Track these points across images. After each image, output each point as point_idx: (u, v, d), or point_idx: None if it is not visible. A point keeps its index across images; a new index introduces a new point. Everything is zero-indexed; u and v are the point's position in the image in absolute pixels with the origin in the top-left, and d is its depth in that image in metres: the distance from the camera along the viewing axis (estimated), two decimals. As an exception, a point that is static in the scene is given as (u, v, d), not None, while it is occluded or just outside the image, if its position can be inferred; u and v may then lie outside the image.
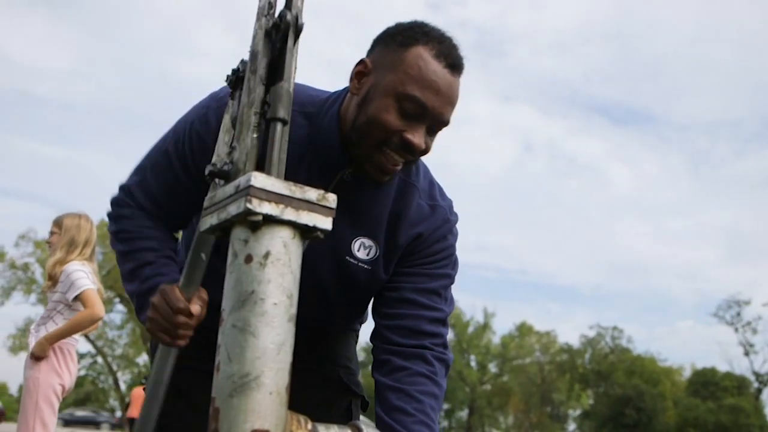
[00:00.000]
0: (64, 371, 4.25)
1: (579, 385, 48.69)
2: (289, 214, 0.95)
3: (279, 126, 1.01)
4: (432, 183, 1.70)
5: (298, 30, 1.05)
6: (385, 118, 1.44)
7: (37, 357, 4.17)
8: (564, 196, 64.61)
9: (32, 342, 4.30)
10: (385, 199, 1.61)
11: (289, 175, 1.50)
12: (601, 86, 65.12)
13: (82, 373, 41.35)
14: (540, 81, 64.63)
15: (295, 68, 1.05)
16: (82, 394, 45.50)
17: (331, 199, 0.98)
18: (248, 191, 0.92)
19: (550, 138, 64.66)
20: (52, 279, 4.31)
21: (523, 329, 50.91)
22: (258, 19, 1.11)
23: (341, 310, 1.73)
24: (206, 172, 1.11)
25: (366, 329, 1.87)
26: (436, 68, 1.45)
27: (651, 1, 61.82)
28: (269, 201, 0.93)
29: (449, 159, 62.68)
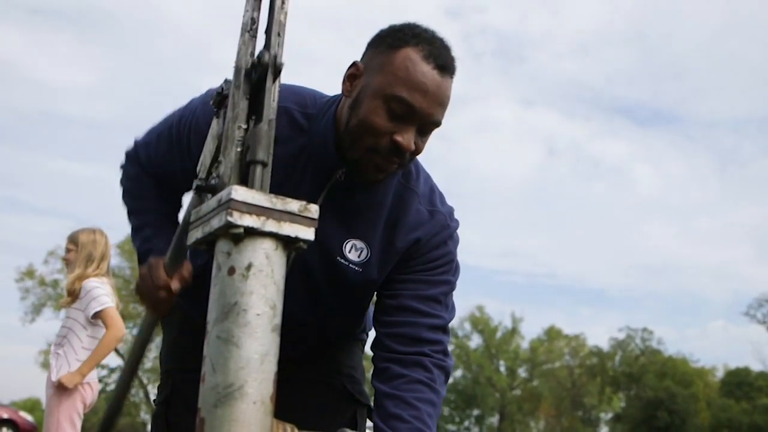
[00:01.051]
0: (85, 388, 4.28)
1: (610, 389, 48.23)
2: (271, 225, 0.96)
3: (259, 168, 1.03)
4: (432, 189, 1.70)
5: (276, 70, 1.07)
6: (374, 120, 1.46)
7: (64, 386, 4.19)
8: (590, 199, 64.15)
9: (54, 362, 4.34)
10: (380, 203, 1.62)
11: (285, 177, 1.54)
12: (624, 87, 64.66)
13: (113, 387, 41.58)
14: (562, 84, 64.32)
15: (275, 108, 1.07)
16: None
17: (313, 210, 1.00)
18: (229, 204, 0.94)
19: (574, 141, 64.24)
20: (71, 295, 4.36)
21: (552, 333, 50.57)
22: (241, 34, 1.13)
23: (337, 313, 1.73)
24: (193, 186, 1.13)
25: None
26: (424, 69, 1.46)
27: (672, 0, 61.37)
28: (250, 213, 0.95)
29: (473, 165, 62.59)
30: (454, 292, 1.71)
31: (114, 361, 39.67)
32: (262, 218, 0.96)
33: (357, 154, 1.50)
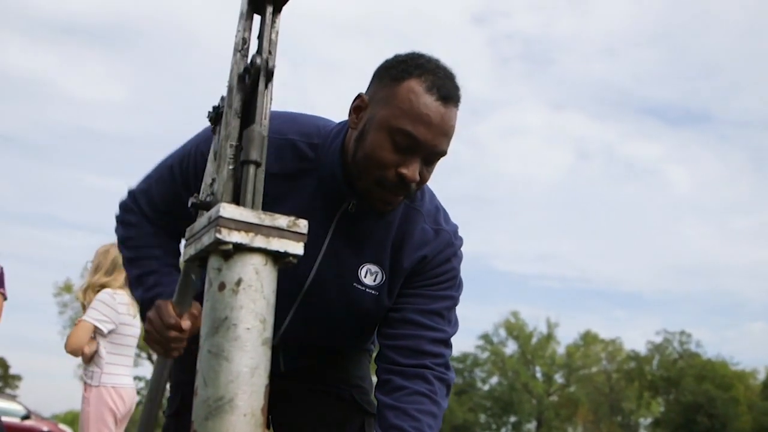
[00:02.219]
0: (116, 400, 4.30)
1: (648, 393, 47.69)
2: (260, 241, 0.98)
3: (252, 168, 1.05)
4: (437, 208, 1.73)
5: (269, 73, 1.09)
6: (380, 153, 1.49)
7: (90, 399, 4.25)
8: (623, 201, 63.60)
9: (83, 374, 4.40)
10: (389, 225, 1.65)
11: (296, 208, 1.56)
12: (654, 88, 64.08)
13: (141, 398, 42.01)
14: (591, 86, 63.90)
15: (268, 110, 1.09)
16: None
17: (302, 225, 1.02)
18: (218, 222, 0.97)
19: (605, 143, 63.77)
20: (83, 305, 4.39)
21: (588, 338, 50.13)
22: (234, 54, 1.16)
23: (350, 334, 1.76)
24: (189, 204, 1.16)
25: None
26: (427, 101, 1.48)
27: (701, -1, 60.72)
28: (239, 230, 0.97)
29: (504, 170, 62.38)
30: (457, 308, 1.73)
31: (144, 371, 40.02)
32: (251, 234, 0.98)
33: (365, 186, 1.53)
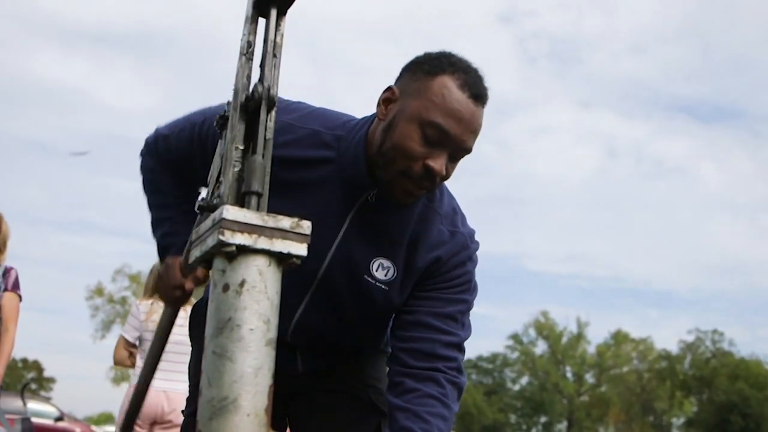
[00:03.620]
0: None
1: (680, 393, 47.18)
2: (263, 243, 0.99)
3: (254, 199, 1.06)
4: (455, 210, 1.73)
5: (270, 102, 1.11)
6: (409, 144, 1.50)
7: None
8: (653, 199, 63.01)
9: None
10: (406, 222, 1.65)
11: (315, 196, 1.58)
12: (684, 84, 63.45)
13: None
14: (619, 84, 63.43)
15: (270, 139, 1.11)
16: (184, 421, 46.71)
17: (305, 226, 1.03)
18: (221, 224, 0.98)
19: (635, 141, 63.22)
20: None
21: (619, 337, 49.73)
22: (239, 57, 1.17)
23: (360, 329, 1.76)
24: (196, 207, 1.17)
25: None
26: (459, 98, 1.50)
27: (728, -7, 60.04)
28: (242, 232, 0.99)
29: (533, 169, 62.08)
30: (471, 312, 1.73)
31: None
32: (254, 236, 0.99)
33: (389, 176, 1.54)
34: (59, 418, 17.84)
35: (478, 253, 1.74)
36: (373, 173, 1.57)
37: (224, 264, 0.99)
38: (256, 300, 0.98)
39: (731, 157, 63.21)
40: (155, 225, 1.81)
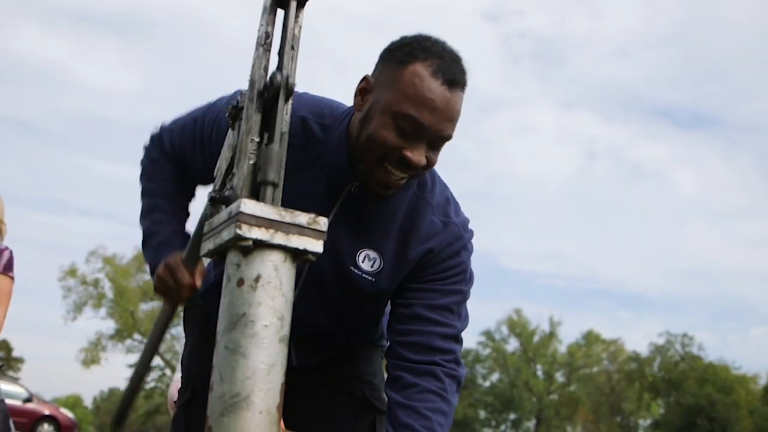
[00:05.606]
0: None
1: (649, 395, 47.60)
2: (279, 238, 0.98)
3: (270, 189, 1.05)
4: (448, 199, 1.71)
5: (288, 91, 1.09)
6: (384, 136, 1.47)
7: None
8: (630, 202, 63.37)
9: None
10: (393, 213, 1.64)
11: (301, 185, 1.56)
12: (665, 90, 63.73)
13: (152, 385, 42.11)
14: (601, 87, 63.60)
15: (286, 128, 1.09)
16: (153, 406, 46.48)
17: (322, 223, 1.02)
18: (238, 217, 0.96)
19: (614, 144, 63.50)
20: None
21: (590, 338, 50.01)
22: (256, 48, 1.15)
23: (351, 321, 1.75)
24: (208, 198, 1.15)
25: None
26: (432, 86, 1.46)
27: (713, 2, 60.44)
28: (259, 226, 0.97)
29: (512, 168, 62.21)
30: (467, 302, 1.72)
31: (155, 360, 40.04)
32: (271, 231, 0.98)
33: (367, 168, 1.52)
34: (28, 399, 17.68)
35: (473, 241, 1.72)
36: (354, 164, 1.55)
37: (239, 258, 0.98)
38: (270, 296, 0.97)
39: (708, 164, 63.77)
40: (146, 212, 1.78)
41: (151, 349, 1.69)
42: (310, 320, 1.70)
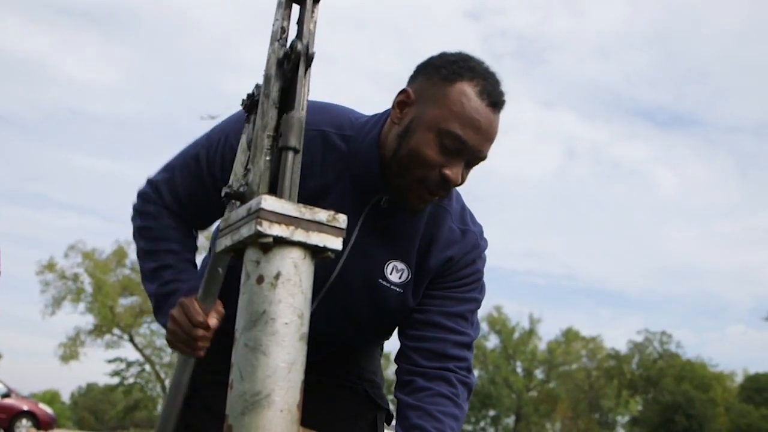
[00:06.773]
0: None
1: (627, 392, 47.94)
2: (299, 235, 0.97)
3: (290, 154, 1.04)
4: (464, 208, 1.71)
5: (309, 59, 1.08)
6: (426, 152, 1.47)
7: None
8: (610, 201, 63.83)
9: None
10: (417, 223, 1.63)
11: (325, 198, 1.54)
12: (645, 90, 64.19)
13: (131, 381, 41.84)
14: (582, 86, 64.02)
15: (307, 96, 1.08)
16: (132, 401, 46.23)
17: (341, 220, 1.01)
18: (258, 214, 0.95)
19: (594, 143, 63.88)
20: None
21: (570, 335, 50.31)
22: (271, 43, 1.14)
23: (371, 331, 1.75)
24: (222, 194, 1.14)
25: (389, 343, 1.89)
26: (478, 106, 1.47)
27: (694, 3, 60.91)
28: (279, 223, 0.96)
29: (493, 166, 62.30)
30: (479, 310, 1.72)
31: (132, 354, 39.81)
32: (291, 228, 0.96)
33: (405, 184, 1.51)
34: (6, 395, 17.56)
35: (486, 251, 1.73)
36: (387, 178, 1.54)
37: (258, 255, 0.97)
38: (290, 293, 0.96)
39: (687, 164, 64.34)
40: (152, 275, 1.65)
41: (171, 408, 1.61)
42: (327, 332, 1.66)
